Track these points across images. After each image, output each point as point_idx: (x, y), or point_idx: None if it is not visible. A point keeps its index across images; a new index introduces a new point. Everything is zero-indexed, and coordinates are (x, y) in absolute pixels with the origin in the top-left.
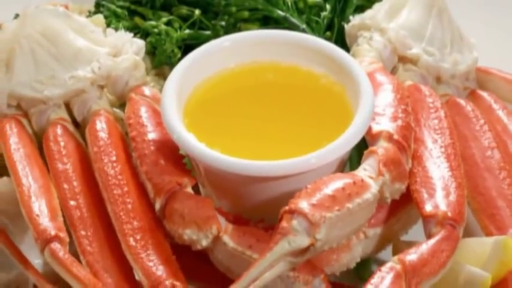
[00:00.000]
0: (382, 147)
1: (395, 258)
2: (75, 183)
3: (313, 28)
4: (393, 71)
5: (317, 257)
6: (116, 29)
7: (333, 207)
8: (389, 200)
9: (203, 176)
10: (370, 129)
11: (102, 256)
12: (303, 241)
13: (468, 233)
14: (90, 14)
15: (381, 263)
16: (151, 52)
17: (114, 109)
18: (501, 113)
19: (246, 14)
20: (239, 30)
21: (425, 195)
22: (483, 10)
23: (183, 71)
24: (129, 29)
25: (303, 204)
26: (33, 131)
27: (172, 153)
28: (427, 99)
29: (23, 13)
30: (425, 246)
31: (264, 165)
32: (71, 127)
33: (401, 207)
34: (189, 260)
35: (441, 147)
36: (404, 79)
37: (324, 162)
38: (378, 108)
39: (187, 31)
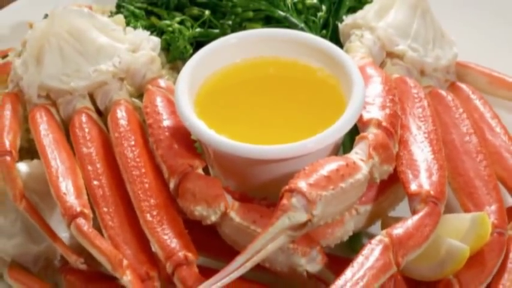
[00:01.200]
0: (372, 133)
1: (384, 232)
2: (98, 165)
3: (310, 27)
4: (382, 65)
5: (314, 231)
6: (135, 28)
7: (328, 186)
8: (378, 180)
9: (212, 158)
10: (361, 117)
11: (122, 230)
12: (302, 217)
13: (449, 210)
14: (111, 14)
15: (371, 236)
16: (166, 48)
17: (133, 99)
18: (478, 103)
19: (250, 14)
20: (244, 28)
21: (411, 176)
22: (462, 11)
23: (194, 65)
24: (146, 27)
25: (302, 184)
26: (61, 118)
27: (184, 139)
28: (412, 90)
29: (51, 13)
30: (411, 221)
31: (267, 149)
32: (94, 115)
33: (389, 187)
34: (199, 233)
35: (424, 133)
36: (392, 72)
37: (320, 146)
38: (368, 98)
39: (198, 29)
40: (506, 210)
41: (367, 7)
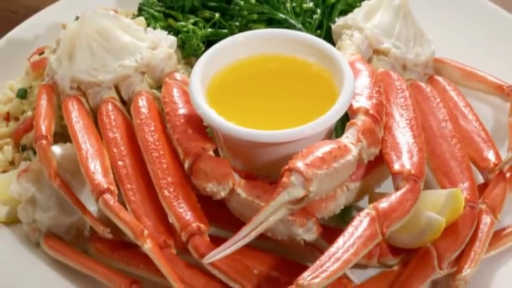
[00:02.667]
0: (360, 120)
1: (371, 205)
2: (122, 148)
3: (307, 27)
4: (369, 61)
5: (310, 205)
6: (154, 28)
7: (323, 166)
8: (366, 161)
9: (222, 142)
10: (351, 106)
11: (143, 204)
12: (299, 192)
13: (427, 186)
14: (134, 16)
15: (360, 209)
16: (181, 46)
17: (153, 90)
18: (453, 94)
19: (255, 16)
20: (250, 29)
21: (394, 157)
22: (438, 13)
23: (206, 61)
24: (164, 28)
25: (299, 164)
26: (90, 107)
27: (197, 125)
28: (396, 83)
29: (82, 16)
30: (394, 197)
31: (269, 134)
32: (119, 104)
33: (375, 167)
34: (211, 207)
35: (406, 119)
36: (378, 67)
37: (315, 131)
38: (357, 90)
39: (209, 30)
40: (477, 187)
41: (356, 10)
